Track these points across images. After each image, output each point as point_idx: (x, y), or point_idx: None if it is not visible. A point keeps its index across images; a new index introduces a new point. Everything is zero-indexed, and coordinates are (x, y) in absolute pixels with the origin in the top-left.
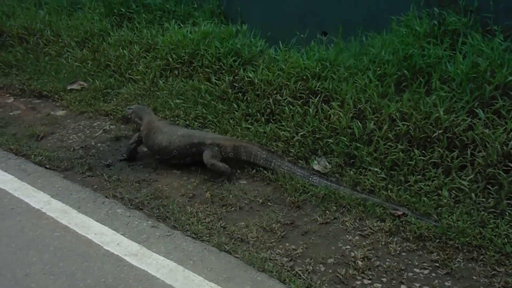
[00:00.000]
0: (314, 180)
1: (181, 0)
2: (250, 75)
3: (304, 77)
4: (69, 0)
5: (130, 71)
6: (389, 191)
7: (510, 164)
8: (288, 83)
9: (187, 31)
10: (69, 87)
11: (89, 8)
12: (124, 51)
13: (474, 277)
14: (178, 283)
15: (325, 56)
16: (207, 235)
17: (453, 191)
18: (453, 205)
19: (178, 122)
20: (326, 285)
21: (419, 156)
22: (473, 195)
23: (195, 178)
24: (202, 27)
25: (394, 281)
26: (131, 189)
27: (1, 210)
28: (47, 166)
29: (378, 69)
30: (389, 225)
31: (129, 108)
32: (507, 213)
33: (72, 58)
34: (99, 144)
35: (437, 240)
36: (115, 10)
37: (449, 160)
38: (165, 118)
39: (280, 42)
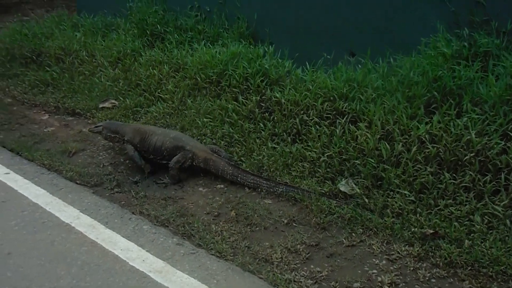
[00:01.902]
0: (280, 190)
1: (212, 21)
2: (277, 95)
3: (331, 97)
4: (104, 22)
5: (159, 90)
6: (418, 215)
7: None
8: (315, 103)
9: (216, 51)
10: (101, 105)
11: (123, 29)
12: (154, 70)
13: None
14: None
15: (353, 77)
16: (231, 255)
17: (486, 217)
18: (486, 231)
19: (205, 140)
20: None
21: (450, 179)
22: (507, 221)
23: (220, 196)
24: (231, 47)
25: None
26: (157, 206)
27: (33, 224)
28: (78, 182)
29: (407, 90)
30: (417, 250)
31: (96, 126)
32: None
33: (104, 77)
34: (127, 161)
35: (469, 268)
36: (147, 31)
37: (482, 185)
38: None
39: (307, 62)
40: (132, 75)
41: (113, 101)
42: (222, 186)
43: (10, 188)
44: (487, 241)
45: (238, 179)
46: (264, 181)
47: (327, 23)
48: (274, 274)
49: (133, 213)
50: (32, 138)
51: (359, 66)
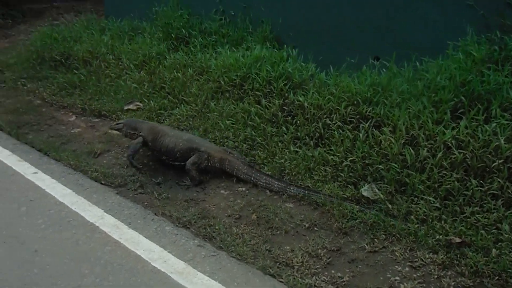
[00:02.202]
0: (292, 191)
1: (236, 25)
2: (300, 99)
3: (355, 101)
4: (130, 26)
5: (183, 93)
6: (443, 222)
7: None
8: (338, 107)
9: (240, 55)
10: (126, 107)
11: (149, 33)
12: (178, 73)
13: None
14: None
15: (377, 81)
16: (252, 258)
17: None
18: None
19: (227, 143)
20: None
21: (476, 186)
22: None
23: (241, 199)
24: (254, 51)
25: None
26: (179, 208)
27: (59, 222)
28: (102, 182)
29: (433, 95)
30: (442, 258)
31: (117, 124)
32: None
33: (130, 80)
34: (150, 163)
35: (496, 277)
36: (172, 35)
37: (510, 192)
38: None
39: (331, 66)
40: (156, 78)
41: (138, 103)
42: (243, 189)
43: (38, 187)
44: None
45: (252, 179)
46: (275, 182)
47: (352, 27)
48: (294, 278)
49: (155, 214)
50: (59, 139)
51: (384, 70)
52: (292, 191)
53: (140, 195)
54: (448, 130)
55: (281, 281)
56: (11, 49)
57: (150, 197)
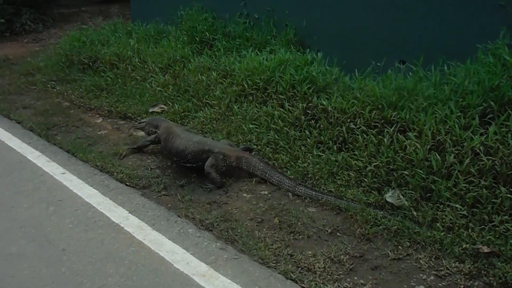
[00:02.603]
0: (300, 190)
1: (260, 28)
2: (324, 103)
3: (380, 106)
4: (156, 30)
5: (207, 96)
6: (470, 230)
7: None
8: (362, 111)
9: (264, 58)
10: (150, 110)
11: (174, 36)
12: (202, 77)
13: None
14: None
15: (403, 85)
16: (274, 262)
17: None
18: None
19: (250, 145)
20: None
21: (506, 194)
22: None
23: (264, 203)
24: (279, 54)
25: None
26: (202, 210)
27: (85, 222)
28: (127, 183)
29: (461, 99)
30: (469, 267)
31: (140, 123)
32: None
33: (155, 83)
34: (174, 165)
35: None
36: (196, 38)
37: None
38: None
39: (356, 70)
40: (181, 81)
41: (163, 105)
42: (266, 192)
43: (65, 188)
44: None
45: (266, 175)
46: (287, 180)
47: (377, 30)
48: (316, 284)
49: (178, 216)
50: (86, 140)
51: (410, 74)
52: (299, 190)
53: (164, 197)
54: (476, 136)
55: (303, 286)
56: (42, 52)
57: (174, 199)
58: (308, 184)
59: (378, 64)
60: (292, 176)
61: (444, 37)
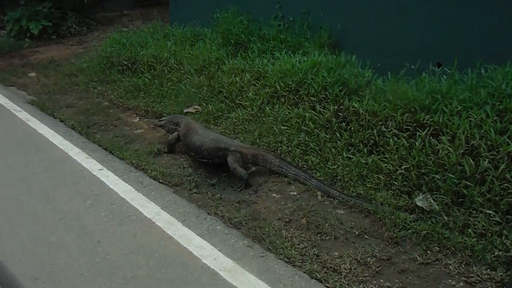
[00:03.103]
0: (312, 183)
1: (294, 30)
2: (355, 105)
3: (412, 109)
4: (192, 32)
5: (240, 97)
6: (503, 237)
7: None
8: (394, 114)
9: (296, 60)
10: (185, 110)
11: (209, 39)
12: (236, 78)
13: None
14: None
15: (437, 88)
16: (300, 261)
17: None
18: None
19: (281, 147)
20: None
21: None
22: None
23: (292, 203)
24: (311, 57)
25: None
26: (231, 209)
27: (120, 216)
28: (160, 181)
29: (498, 103)
30: (501, 275)
31: (160, 120)
32: None
33: (190, 84)
34: (206, 165)
35: None
36: (231, 40)
37: None
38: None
39: (389, 72)
40: (215, 82)
41: (197, 106)
42: (295, 193)
43: (102, 183)
44: None
45: (283, 170)
46: (302, 173)
47: (412, 32)
48: (341, 285)
49: (208, 213)
50: (123, 139)
51: (444, 77)
52: (312, 183)
53: (195, 195)
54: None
55: (327, 286)
56: (85, 54)
57: (204, 197)
58: (338, 186)
59: (412, 67)
60: (326, 180)
61: (482, 39)
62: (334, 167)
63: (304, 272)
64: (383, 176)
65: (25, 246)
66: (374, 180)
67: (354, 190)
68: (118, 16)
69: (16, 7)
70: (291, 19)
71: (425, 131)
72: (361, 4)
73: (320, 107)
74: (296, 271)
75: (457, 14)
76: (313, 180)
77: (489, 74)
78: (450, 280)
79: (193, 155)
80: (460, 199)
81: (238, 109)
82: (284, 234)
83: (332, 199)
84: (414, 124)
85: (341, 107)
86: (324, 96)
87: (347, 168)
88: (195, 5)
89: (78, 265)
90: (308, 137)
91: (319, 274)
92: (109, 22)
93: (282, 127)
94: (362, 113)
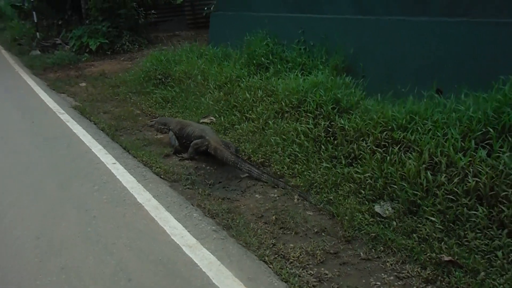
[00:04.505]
0: (264, 177)
1: (313, 54)
2: (343, 122)
3: (390, 127)
4: (223, 52)
5: (250, 111)
6: (442, 243)
7: None
8: (374, 131)
9: (301, 80)
10: (201, 120)
11: (235, 59)
12: (250, 94)
13: None
14: (211, 272)
15: (415, 109)
16: (255, 247)
17: None
18: (507, 267)
19: (275, 156)
20: None
21: (484, 213)
22: None
23: (270, 204)
24: (312, 77)
25: None
26: (214, 203)
27: (117, 200)
28: (161, 176)
29: (464, 125)
30: (428, 273)
31: (151, 121)
32: None
33: (210, 98)
34: (208, 167)
35: None
36: (254, 61)
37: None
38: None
39: (379, 94)
40: (232, 97)
41: (212, 118)
42: (275, 195)
43: (111, 174)
44: (504, 276)
45: (238, 166)
46: (255, 169)
47: (416, 58)
48: (283, 267)
49: (192, 204)
50: (143, 141)
51: (424, 99)
52: (263, 178)
53: (187, 190)
54: (466, 158)
55: (270, 267)
56: (132, 69)
57: (195, 192)
58: (313, 191)
59: (403, 90)
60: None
61: (474, 67)
62: (314, 175)
63: (255, 255)
64: (353, 185)
65: (34, 215)
66: (345, 188)
67: (326, 196)
68: (170, 36)
69: (80, 26)
70: (312, 44)
71: (398, 147)
72: (372, 31)
73: (313, 123)
74: (248, 253)
75: (455, 43)
76: (264, 176)
77: (464, 99)
78: (383, 274)
79: (185, 142)
80: (415, 208)
81: (247, 121)
82: (252, 226)
83: (305, 202)
84: (390, 141)
85: (332, 123)
86: (319, 113)
87: (325, 176)
88: (230, 28)
89: (73, 232)
90: (298, 149)
91: (267, 258)
92: (160, 42)
93: (279, 139)
94: (348, 129)
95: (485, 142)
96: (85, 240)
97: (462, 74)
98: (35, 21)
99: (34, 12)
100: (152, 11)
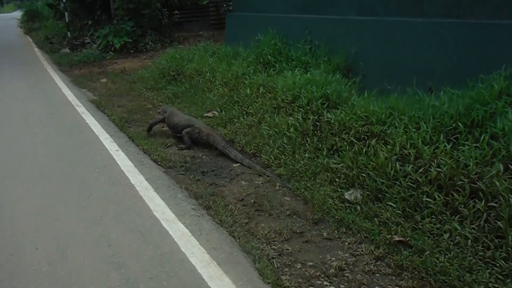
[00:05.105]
0: (245, 162)
1: (317, 53)
2: (330, 116)
3: (371, 121)
4: (235, 51)
5: (250, 106)
6: (399, 226)
7: None
8: (355, 125)
9: (298, 77)
10: (204, 115)
11: (244, 57)
12: (251, 90)
13: None
14: (181, 242)
15: (395, 105)
16: (229, 225)
17: (458, 237)
18: (452, 248)
19: (266, 147)
20: (290, 277)
21: (440, 201)
22: (469, 242)
23: (253, 190)
24: (304, 74)
25: None
26: (201, 187)
27: (112, 180)
28: (158, 163)
29: (435, 120)
30: (380, 251)
31: (159, 109)
32: (499, 265)
33: (216, 94)
34: (204, 157)
35: (416, 272)
36: (261, 59)
37: (466, 209)
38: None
39: (365, 91)
40: (235, 93)
41: (215, 112)
42: (260, 182)
43: (113, 159)
44: (447, 255)
45: (226, 151)
46: (239, 155)
47: (411, 58)
48: (248, 241)
49: (180, 187)
50: (150, 132)
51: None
52: (245, 162)
53: (180, 175)
54: (430, 149)
55: (237, 241)
56: (150, 66)
57: (186, 177)
58: (294, 180)
59: (389, 87)
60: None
61: (466, 66)
62: (297, 165)
63: (226, 231)
64: (330, 174)
65: (38, 190)
66: (323, 177)
67: (304, 184)
68: (193, 36)
69: (108, 25)
70: (317, 44)
71: (375, 140)
72: (372, 32)
73: (304, 117)
74: (220, 229)
75: (445, 44)
76: (245, 161)
77: (441, 95)
78: (339, 252)
79: (171, 131)
80: (381, 195)
81: (246, 116)
82: (230, 207)
83: (285, 189)
84: (369, 134)
85: (320, 117)
86: (309, 108)
87: (306, 166)
88: (244, 28)
89: (69, 205)
90: (287, 141)
91: (237, 234)
92: (182, 41)
93: (271, 132)
94: (333, 123)
95: (454, 137)
96: (78, 213)
97: (454, 73)
98: (67, 21)
99: (66, 13)
100: (176, 12)
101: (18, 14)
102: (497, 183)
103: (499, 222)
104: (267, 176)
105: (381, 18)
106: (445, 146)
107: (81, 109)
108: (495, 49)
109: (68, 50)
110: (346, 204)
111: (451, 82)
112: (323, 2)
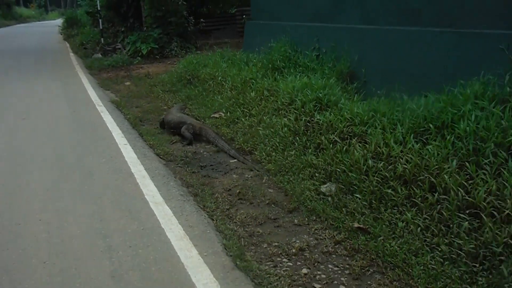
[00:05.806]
0: (232, 153)
1: (322, 60)
2: (319, 117)
3: (355, 122)
4: (248, 58)
5: (253, 109)
6: (363, 216)
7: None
8: (340, 125)
9: (297, 82)
10: (212, 115)
11: (254, 62)
12: (255, 94)
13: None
14: (163, 220)
15: (377, 107)
16: (210, 209)
17: (412, 225)
18: (404, 235)
19: (260, 145)
20: (254, 254)
21: (403, 194)
22: (418, 230)
23: (242, 182)
24: (301, 79)
25: (306, 269)
26: (194, 178)
27: (115, 169)
28: (160, 156)
29: (411, 121)
30: (340, 236)
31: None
32: (441, 249)
33: (224, 97)
34: (205, 153)
35: (368, 254)
36: (270, 65)
37: (424, 202)
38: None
39: (355, 95)
40: (241, 97)
41: (221, 113)
42: (249, 176)
43: (119, 151)
44: (399, 241)
45: (215, 141)
46: (226, 145)
47: (407, 64)
48: (225, 223)
49: (174, 177)
50: (159, 130)
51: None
52: (231, 153)
53: (177, 168)
54: (399, 147)
55: (214, 223)
56: (172, 71)
57: (183, 169)
58: (280, 174)
59: (378, 91)
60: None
61: (455, 72)
62: (284, 161)
63: (206, 214)
64: (312, 170)
65: (49, 175)
66: (306, 172)
67: (288, 178)
68: (218, 43)
69: (137, 32)
70: (324, 51)
71: (356, 139)
72: (374, 39)
73: (297, 118)
74: (201, 212)
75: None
76: (231, 151)
77: (416, 99)
78: (305, 236)
79: (167, 127)
80: (353, 188)
81: (248, 117)
82: (216, 196)
83: (270, 182)
84: (352, 134)
85: (312, 119)
86: (304, 110)
87: (293, 162)
88: (261, 36)
89: (72, 188)
90: (279, 140)
91: (215, 217)
92: (207, 48)
93: (266, 132)
94: (322, 124)
95: (425, 137)
96: (79, 194)
97: (442, 78)
98: (101, 27)
99: (100, 20)
100: (202, 20)
101: (60, 21)
102: (449, 179)
103: (446, 213)
104: (257, 170)
105: (381, 27)
106: (413, 145)
107: (101, 108)
108: (478, 56)
109: (100, 55)
110: (321, 196)
111: (438, 87)
112: (331, 11)
